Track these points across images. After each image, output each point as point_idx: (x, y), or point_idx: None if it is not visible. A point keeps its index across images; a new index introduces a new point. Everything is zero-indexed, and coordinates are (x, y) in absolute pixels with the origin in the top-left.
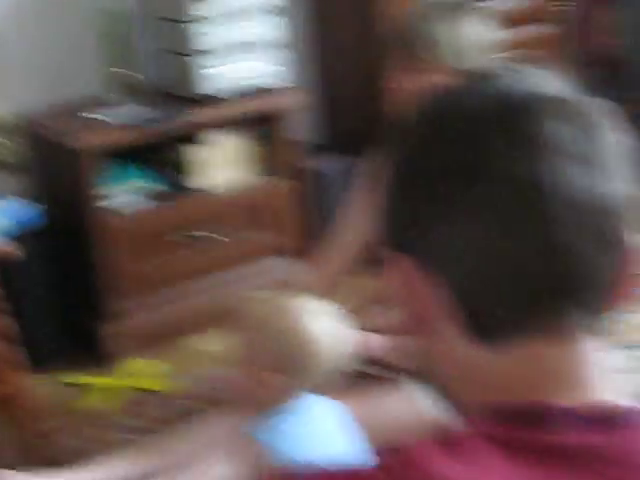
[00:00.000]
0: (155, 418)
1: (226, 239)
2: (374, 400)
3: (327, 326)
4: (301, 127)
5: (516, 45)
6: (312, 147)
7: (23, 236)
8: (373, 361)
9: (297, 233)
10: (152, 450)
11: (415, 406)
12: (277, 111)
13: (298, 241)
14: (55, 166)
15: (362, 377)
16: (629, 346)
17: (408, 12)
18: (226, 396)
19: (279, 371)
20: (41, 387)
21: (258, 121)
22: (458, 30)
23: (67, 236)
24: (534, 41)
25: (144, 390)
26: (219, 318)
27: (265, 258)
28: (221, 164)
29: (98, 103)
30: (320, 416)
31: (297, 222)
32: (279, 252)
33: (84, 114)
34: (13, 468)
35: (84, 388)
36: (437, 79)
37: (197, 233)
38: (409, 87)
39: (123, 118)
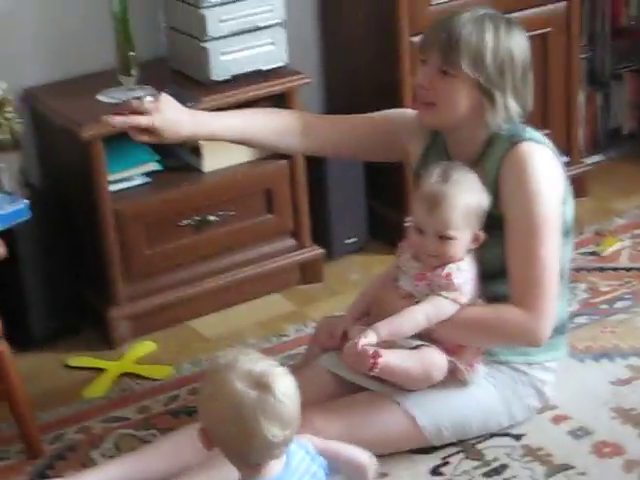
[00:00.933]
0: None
1: (239, 222)
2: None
3: (287, 383)
4: (310, 107)
5: (538, 22)
6: None
7: (29, 220)
8: None
9: (304, 214)
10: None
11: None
12: (286, 92)
13: (306, 222)
14: (60, 148)
15: None
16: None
17: (456, 13)
18: None
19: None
20: (45, 369)
21: (268, 103)
22: (505, 43)
23: (76, 220)
24: (556, 17)
25: (147, 378)
26: (227, 301)
27: (279, 240)
28: (232, 146)
29: (109, 83)
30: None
31: (304, 204)
32: (292, 234)
33: (94, 94)
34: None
35: (90, 372)
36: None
37: (209, 216)
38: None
39: (135, 100)
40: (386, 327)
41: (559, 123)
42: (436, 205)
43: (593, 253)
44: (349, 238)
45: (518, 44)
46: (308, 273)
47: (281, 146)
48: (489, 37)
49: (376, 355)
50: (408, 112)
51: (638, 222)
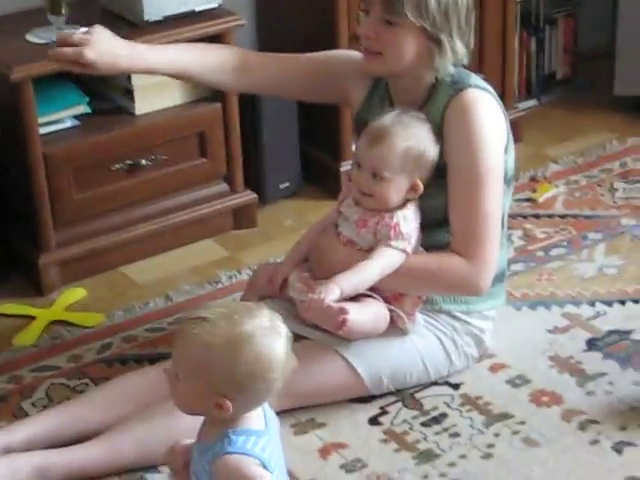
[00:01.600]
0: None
1: (171, 166)
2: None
3: (277, 349)
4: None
5: None
6: None
7: None
8: None
9: (237, 159)
10: (85, 402)
11: None
12: (220, 34)
13: (239, 167)
14: None
15: None
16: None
17: None
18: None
19: (228, 394)
20: None
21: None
22: None
23: (3, 163)
24: None
25: (78, 325)
26: (159, 247)
27: (212, 185)
28: (165, 88)
29: (38, 22)
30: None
31: (237, 148)
32: (225, 179)
33: (23, 34)
34: None
35: (19, 320)
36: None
37: (141, 160)
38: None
39: None
40: (347, 282)
41: (494, 68)
42: (377, 141)
43: (528, 199)
44: (282, 183)
45: None
46: (241, 218)
47: (218, 82)
48: None
49: (344, 312)
50: (353, 54)
51: (573, 168)
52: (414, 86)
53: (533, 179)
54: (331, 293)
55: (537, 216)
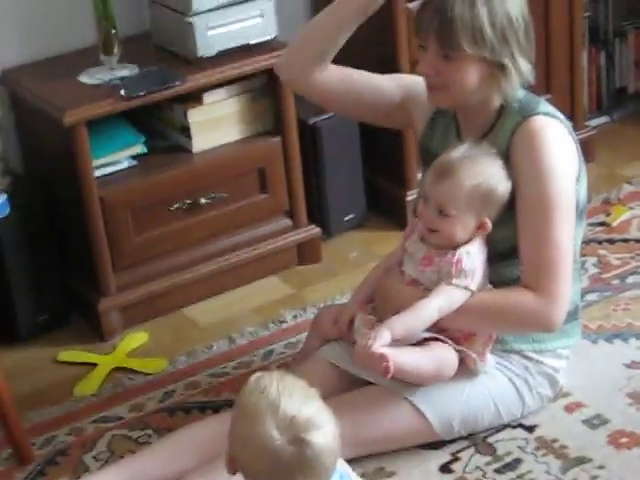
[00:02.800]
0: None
1: (232, 204)
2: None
3: (327, 437)
4: None
5: None
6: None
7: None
8: None
9: (300, 193)
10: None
11: None
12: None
13: (301, 201)
14: (42, 132)
15: None
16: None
17: None
18: None
19: None
20: (33, 365)
21: (257, 79)
22: (499, 8)
23: (60, 208)
24: None
25: (141, 372)
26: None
27: (274, 221)
28: (222, 124)
29: (90, 62)
30: None
31: (299, 181)
32: (288, 214)
33: (75, 75)
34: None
35: (80, 367)
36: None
37: (200, 199)
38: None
39: (120, 81)
40: (400, 325)
41: (562, 86)
42: (443, 176)
43: (602, 224)
44: (347, 215)
45: (513, 3)
46: (305, 254)
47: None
48: (482, 8)
49: (386, 359)
50: (417, 80)
51: None
52: (481, 111)
53: (606, 202)
54: (379, 339)
55: (611, 241)
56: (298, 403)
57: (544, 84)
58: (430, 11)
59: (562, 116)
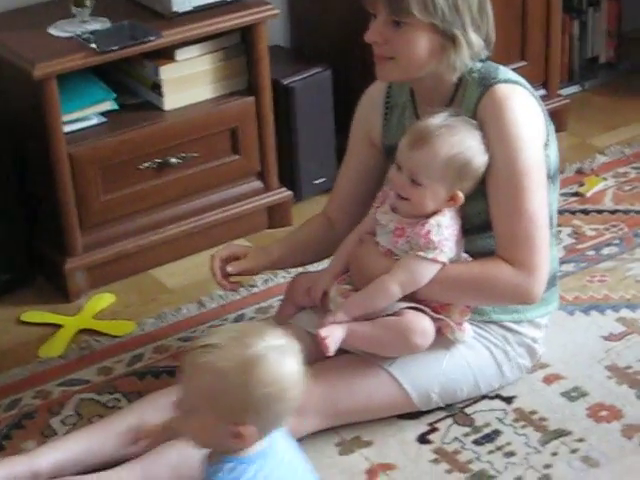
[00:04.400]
0: (121, 375)
1: (203, 164)
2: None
3: (291, 367)
4: (273, 42)
5: None
6: (285, 59)
7: None
8: None
9: (272, 155)
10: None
11: None
12: (252, 25)
13: (273, 163)
14: (9, 86)
15: None
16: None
17: None
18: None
19: (245, 421)
20: None
21: (233, 36)
22: None
23: (26, 164)
24: None
25: (108, 334)
26: (190, 248)
27: (245, 183)
28: (195, 82)
29: (60, 14)
30: (286, 454)
31: (272, 143)
32: (259, 176)
33: (45, 26)
34: None
35: (45, 328)
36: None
37: (171, 158)
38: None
39: (91, 35)
40: (355, 306)
41: (537, 54)
42: (419, 142)
43: (576, 194)
44: (318, 178)
45: None
46: (276, 217)
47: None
48: None
49: (323, 337)
50: (363, 106)
51: (620, 160)
52: (436, 87)
53: (579, 172)
54: (334, 317)
55: (586, 212)
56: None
57: (519, 51)
58: None
59: (523, 80)
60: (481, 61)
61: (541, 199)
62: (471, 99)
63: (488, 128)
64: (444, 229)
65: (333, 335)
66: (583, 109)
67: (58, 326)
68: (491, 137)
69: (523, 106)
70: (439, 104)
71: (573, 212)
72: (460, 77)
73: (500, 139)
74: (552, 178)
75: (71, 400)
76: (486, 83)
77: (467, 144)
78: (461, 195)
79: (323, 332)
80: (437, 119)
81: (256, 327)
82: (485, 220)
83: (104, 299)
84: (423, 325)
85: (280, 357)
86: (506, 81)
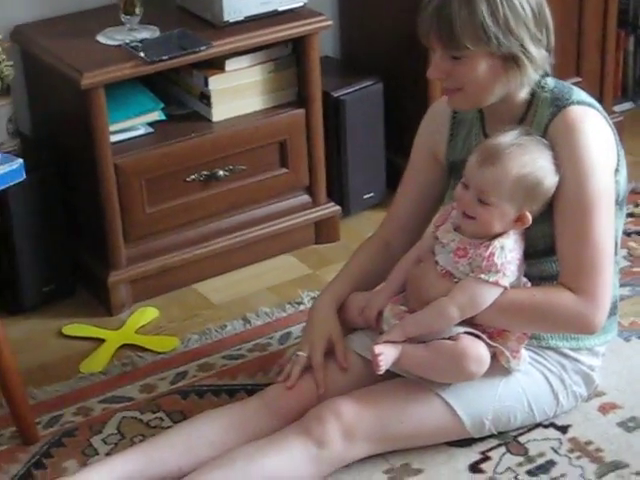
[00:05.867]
0: (164, 393)
1: (250, 177)
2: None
3: None
4: (324, 50)
5: None
6: (336, 71)
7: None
8: None
9: (321, 169)
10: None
11: None
12: (303, 35)
13: (322, 177)
14: (56, 94)
15: None
16: None
17: None
18: None
19: None
20: (38, 338)
21: (284, 47)
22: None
23: (71, 174)
24: None
25: (151, 350)
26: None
27: (293, 197)
28: (244, 93)
29: (109, 21)
30: None
31: (321, 157)
32: (307, 190)
33: (93, 34)
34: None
35: (87, 342)
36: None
37: (218, 171)
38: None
39: (140, 43)
40: (413, 325)
41: (592, 70)
42: (489, 161)
43: (631, 215)
44: (367, 193)
45: None
46: (323, 232)
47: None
48: (481, 3)
49: (377, 355)
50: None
51: None
52: (506, 105)
53: (634, 191)
54: (389, 335)
55: None
56: None
57: (574, 67)
58: (429, 12)
59: (597, 103)
60: (546, 76)
61: (608, 226)
62: (542, 119)
63: (559, 150)
64: (508, 252)
65: (386, 353)
66: (636, 126)
67: (100, 340)
68: (561, 160)
69: (596, 130)
70: (509, 123)
71: (628, 234)
72: (531, 96)
73: (571, 162)
74: (620, 204)
75: (113, 418)
76: (559, 104)
77: (539, 164)
78: (529, 216)
79: (377, 349)
80: (508, 137)
81: None
82: (549, 244)
83: (147, 313)
84: (479, 352)
85: None
86: (579, 103)
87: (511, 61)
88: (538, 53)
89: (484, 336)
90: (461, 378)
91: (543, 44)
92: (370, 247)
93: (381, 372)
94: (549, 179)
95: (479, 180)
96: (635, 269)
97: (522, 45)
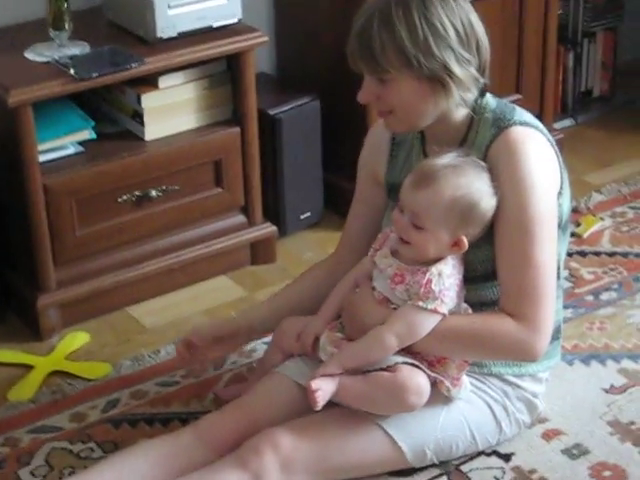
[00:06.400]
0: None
1: (184, 197)
2: None
3: None
4: (259, 66)
5: None
6: (271, 88)
7: None
8: None
9: (256, 189)
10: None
11: None
12: (240, 53)
13: (257, 197)
14: None
15: None
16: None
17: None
18: None
19: None
20: None
21: (219, 64)
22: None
23: (1, 197)
24: None
25: (82, 377)
26: (169, 285)
27: (228, 217)
28: (178, 111)
29: (37, 37)
30: None
31: (256, 177)
32: (243, 211)
33: (21, 50)
34: None
35: (15, 369)
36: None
37: (151, 191)
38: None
39: (70, 60)
40: (350, 358)
41: (532, 86)
42: (422, 183)
43: (573, 234)
44: (303, 213)
45: (440, 11)
46: (259, 253)
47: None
48: (400, 25)
49: (314, 391)
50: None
51: (617, 198)
52: (446, 127)
53: (575, 210)
54: (325, 368)
55: (583, 254)
56: None
57: (514, 84)
58: (352, 35)
59: (540, 124)
60: (483, 95)
61: (551, 250)
62: (484, 140)
63: (499, 172)
64: (446, 278)
65: (324, 389)
66: (576, 144)
67: (29, 367)
68: (502, 182)
69: (538, 151)
70: (449, 144)
71: (570, 254)
72: (471, 116)
73: (512, 184)
74: (563, 228)
75: (42, 449)
76: (501, 124)
77: (475, 186)
78: (465, 240)
79: (314, 384)
80: (444, 159)
81: None
82: (489, 269)
83: (78, 338)
84: (418, 383)
85: None
86: (522, 124)
87: (437, 83)
88: (464, 74)
89: (423, 365)
90: (401, 410)
91: (473, 64)
92: (319, 269)
93: (318, 409)
94: (486, 202)
95: (412, 203)
96: (577, 290)
97: (446, 67)
